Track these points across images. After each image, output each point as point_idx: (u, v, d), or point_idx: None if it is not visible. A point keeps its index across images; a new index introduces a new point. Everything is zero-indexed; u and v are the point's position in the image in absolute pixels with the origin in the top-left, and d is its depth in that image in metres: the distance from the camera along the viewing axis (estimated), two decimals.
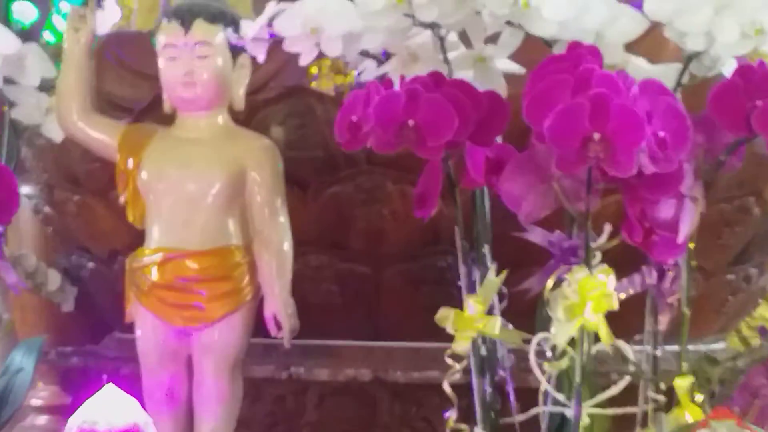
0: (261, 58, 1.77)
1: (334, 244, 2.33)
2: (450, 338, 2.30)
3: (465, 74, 1.63)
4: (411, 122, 1.47)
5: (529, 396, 1.69)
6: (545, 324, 1.58)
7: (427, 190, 1.65)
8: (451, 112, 1.47)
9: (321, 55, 1.76)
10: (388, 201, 2.35)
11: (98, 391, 1.57)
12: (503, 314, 1.68)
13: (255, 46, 1.72)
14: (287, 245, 1.84)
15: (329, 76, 2.64)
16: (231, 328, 1.82)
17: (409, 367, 2.32)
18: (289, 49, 1.70)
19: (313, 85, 2.58)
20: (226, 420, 1.84)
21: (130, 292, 1.88)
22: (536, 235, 1.64)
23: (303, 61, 1.73)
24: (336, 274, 2.35)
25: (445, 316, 1.63)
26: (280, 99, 2.22)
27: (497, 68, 1.69)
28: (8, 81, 1.91)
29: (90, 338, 2.77)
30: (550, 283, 1.55)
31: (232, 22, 1.86)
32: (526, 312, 1.69)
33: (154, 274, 1.84)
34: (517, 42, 1.66)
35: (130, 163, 1.89)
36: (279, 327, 1.82)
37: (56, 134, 1.95)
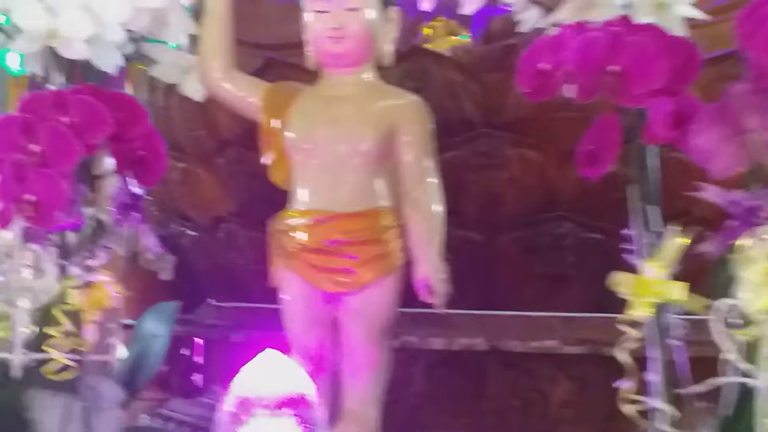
0: (428, 5, 1.68)
1: (448, 210, 2.28)
2: (561, 308, 2.21)
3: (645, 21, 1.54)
4: (614, 68, 1.37)
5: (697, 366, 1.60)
6: (723, 290, 1.49)
7: (601, 147, 1.56)
8: (660, 56, 1.37)
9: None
10: (506, 165, 2.29)
11: (256, 357, 1.48)
12: None
13: None
14: (438, 207, 1.76)
15: (443, 38, 2.56)
16: (382, 292, 1.75)
17: (525, 337, 2.26)
18: None
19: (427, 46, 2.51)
20: (375, 386, 1.77)
21: (275, 255, 1.81)
22: (713, 194, 1.55)
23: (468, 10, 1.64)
24: (449, 241, 2.32)
25: (621, 281, 1.54)
26: (397, 61, 2.15)
27: (679, 14, 1.59)
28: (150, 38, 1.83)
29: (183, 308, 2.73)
30: (742, 244, 1.45)
31: None
32: None
33: (302, 237, 1.76)
34: None
35: (276, 122, 1.82)
36: (430, 292, 1.73)
37: (195, 93, 1.87)
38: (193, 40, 1.85)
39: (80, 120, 1.52)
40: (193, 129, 2.64)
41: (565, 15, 1.59)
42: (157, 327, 1.92)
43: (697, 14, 1.62)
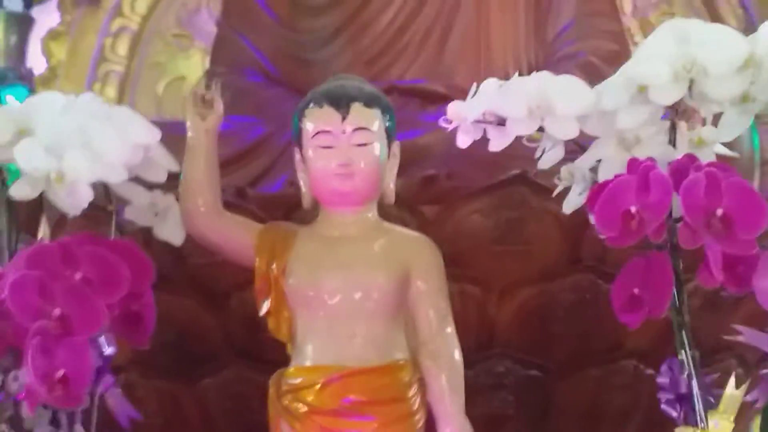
0: (464, 143, 1.58)
1: None
2: None
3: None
4: (719, 211, 1.31)
5: None
6: None
7: (650, 290, 1.49)
8: (757, 200, 1.32)
9: None
10: None
11: None
12: None
13: (471, 129, 1.52)
14: (459, 357, 1.62)
15: None
16: None
17: None
18: (511, 131, 1.51)
19: None
20: None
21: (279, 418, 1.61)
22: (754, 338, 1.52)
23: (496, 147, 1.55)
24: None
25: None
26: None
27: (715, 152, 1.57)
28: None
29: None
30: None
31: (387, 106, 1.67)
32: None
33: (313, 398, 1.57)
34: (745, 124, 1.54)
35: (274, 267, 1.63)
36: None
37: (172, 236, 1.65)
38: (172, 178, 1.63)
39: (95, 277, 1.28)
40: None
41: (609, 152, 1.52)
42: None
43: (730, 153, 1.59)
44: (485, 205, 2.24)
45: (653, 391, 2.36)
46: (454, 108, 1.56)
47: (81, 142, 1.43)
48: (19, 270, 1.25)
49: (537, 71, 3.10)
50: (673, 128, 1.50)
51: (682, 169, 1.36)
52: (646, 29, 3.47)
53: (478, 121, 1.52)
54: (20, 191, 1.44)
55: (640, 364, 2.34)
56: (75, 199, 1.45)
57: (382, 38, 3.12)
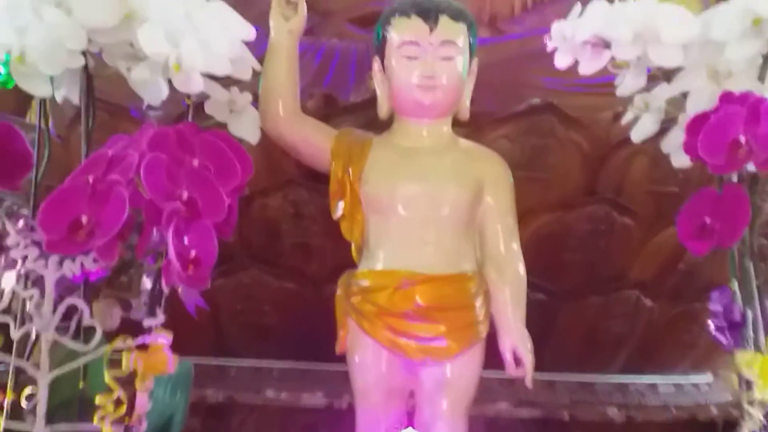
0: (563, 63, 1.59)
1: None
2: None
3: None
4: None
5: None
6: None
7: (725, 220, 1.53)
8: None
9: None
10: None
11: None
12: None
13: (578, 50, 1.54)
14: (523, 272, 1.67)
15: None
16: (471, 363, 1.63)
17: None
18: (616, 55, 1.53)
19: None
20: None
21: (345, 318, 1.64)
22: None
23: (588, 69, 1.58)
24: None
25: (748, 361, 1.53)
26: None
27: None
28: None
29: None
30: None
31: (472, 21, 1.68)
32: None
33: (385, 300, 1.60)
34: None
35: (350, 172, 1.65)
36: (518, 363, 1.63)
37: (248, 134, 1.65)
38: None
39: (211, 164, 1.29)
40: None
41: (700, 84, 1.55)
42: (172, 398, 1.67)
43: None
44: (513, 131, 2.29)
45: (650, 320, 2.46)
46: (559, 27, 1.58)
47: (192, 31, 1.42)
48: (145, 152, 1.25)
49: (540, 2, 3.17)
50: (765, 63, 1.53)
51: None
52: None
53: (585, 42, 1.53)
54: (140, 74, 1.43)
55: (641, 294, 2.43)
56: (188, 86, 1.44)
57: None
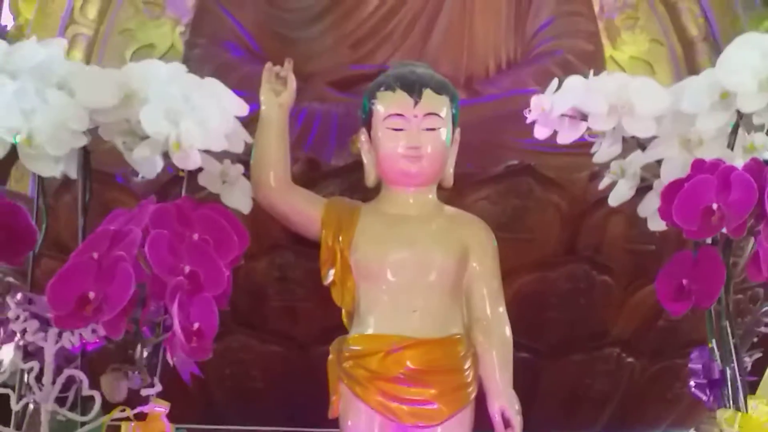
0: (542, 134, 1.66)
1: None
2: None
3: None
4: None
5: None
6: None
7: (700, 281, 1.59)
8: None
9: None
10: None
11: None
12: None
13: (556, 122, 1.61)
14: (509, 334, 1.72)
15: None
16: (461, 426, 1.68)
17: None
18: (592, 126, 1.61)
19: None
20: None
21: (338, 382, 1.68)
22: None
23: (566, 140, 1.65)
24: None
25: (730, 418, 1.58)
26: None
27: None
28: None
29: None
30: None
31: (454, 94, 1.75)
32: None
33: (376, 365, 1.65)
34: None
35: (340, 239, 1.71)
36: (507, 424, 1.68)
37: (240, 204, 1.70)
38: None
39: (210, 238, 1.34)
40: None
41: (673, 152, 1.62)
42: None
43: None
44: (493, 193, 2.35)
45: (632, 377, 2.51)
46: (537, 101, 1.65)
47: (190, 111, 1.48)
48: (148, 227, 1.30)
49: (515, 64, 3.24)
50: (734, 133, 1.61)
51: (754, 171, 1.47)
52: (612, 32, 3.59)
53: (563, 115, 1.60)
54: (141, 153, 1.48)
55: (622, 352, 2.48)
56: (186, 163, 1.49)
57: (367, 23, 3.21)
